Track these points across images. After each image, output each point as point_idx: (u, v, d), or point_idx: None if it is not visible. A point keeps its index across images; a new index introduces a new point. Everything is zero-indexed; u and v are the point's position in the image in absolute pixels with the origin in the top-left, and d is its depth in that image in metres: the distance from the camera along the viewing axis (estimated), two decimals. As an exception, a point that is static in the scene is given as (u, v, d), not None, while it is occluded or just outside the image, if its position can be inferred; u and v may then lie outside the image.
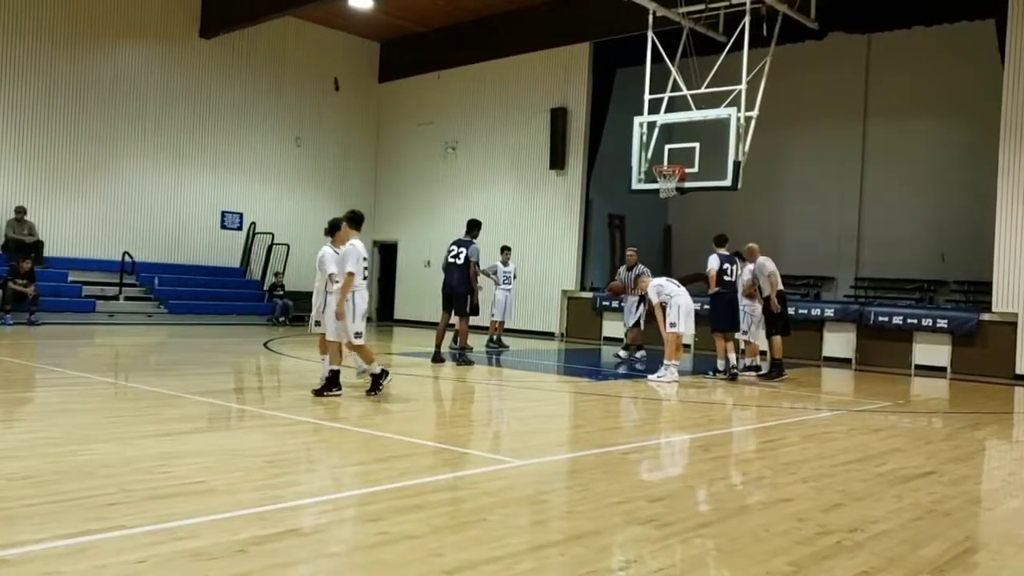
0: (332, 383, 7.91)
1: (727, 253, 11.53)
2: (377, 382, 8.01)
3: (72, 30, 17.56)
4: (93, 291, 17.19)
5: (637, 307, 13.38)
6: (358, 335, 7.90)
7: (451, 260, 11.68)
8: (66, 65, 17.51)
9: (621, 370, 12.51)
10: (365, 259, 7.98)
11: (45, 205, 17.33)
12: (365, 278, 7.96)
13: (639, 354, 13.56)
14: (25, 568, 3.12)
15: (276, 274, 20.02)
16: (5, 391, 7.84)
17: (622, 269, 14.03)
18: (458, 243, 11.76)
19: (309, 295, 21.68)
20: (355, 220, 8.18)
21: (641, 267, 13.46)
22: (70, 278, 17.10)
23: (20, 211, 16.49)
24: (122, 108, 18.33)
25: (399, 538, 3.64)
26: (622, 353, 13.69)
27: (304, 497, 4.33)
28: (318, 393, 7.84)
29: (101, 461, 4.89)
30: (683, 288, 11.03)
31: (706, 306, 11.96)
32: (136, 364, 11.53)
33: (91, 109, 17.90)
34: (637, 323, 13.49)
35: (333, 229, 8.62)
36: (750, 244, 11.74)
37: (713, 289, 11.33)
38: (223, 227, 20.23)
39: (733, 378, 11.18)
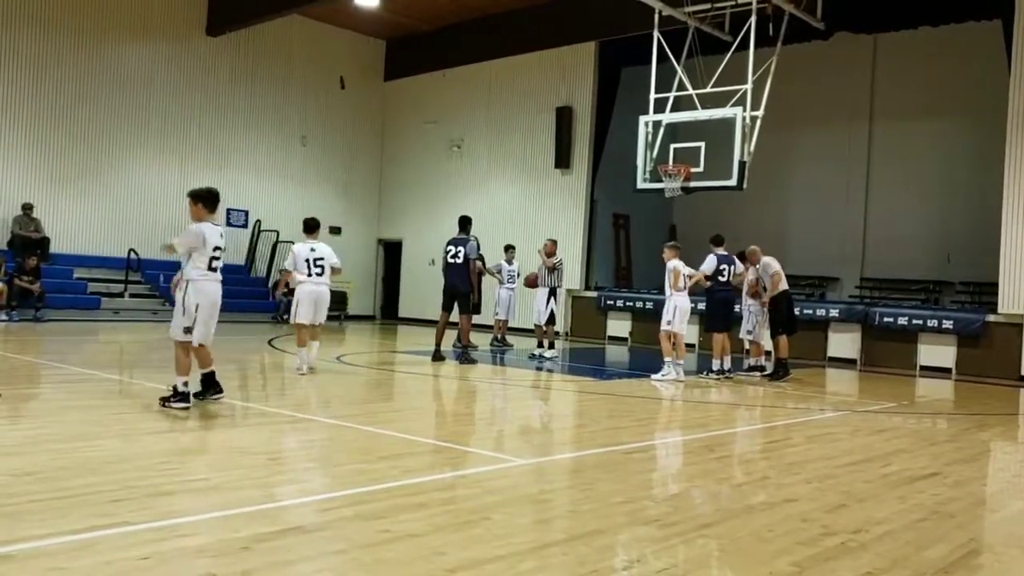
0: (203, 387, 6.81)
1: (724, 253, 11.56)
2: (172, 398, 6.57)
3: (79, 28, 17.60)
4: (98, 288, 17.24)
5: (547, 301, 13.17)
6: (187, 330, 6.57)
7: (450, 260, 11.68)
8: (73, 62, 17.56)
9: (537, 364, 12.38)
10: (217, 248, 6.74)
11: (51, 202, 17.38)
12: (213, 268, 6.74)
13: (549, 353, 13.02)
14: (30, 564, 3.13)
15: (281, 271, 20.06)
16: (10, 387, 7.86)
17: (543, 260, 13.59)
18: (454, 242, 11.74)
19: (314, 293, 20.97)
20: (199, 197, 6.89)
21: (559, 256, 13.44)
22: (76, 275, 17.15)
23: (27, 208, 16.54)
24: (129, 106, 18.37)
25: (401, 536, 3.64)
26: (536, 351, 13.12)
27: (307, 495, 4.34)
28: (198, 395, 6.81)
29: (105, 458, 4.91)
30: (686, 291, 11.06)
31: (701, 305, 11.94)
32: (140, 361, 11.55)
33: (98, 107, 17.95)
34: (551, 319, 13.17)
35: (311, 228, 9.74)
36: (752, 247, 11.75)
37: (704, 285, 11.42)
38: (228, 224, 20.24)
39: (727, 379, 11.21)
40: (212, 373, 6.84)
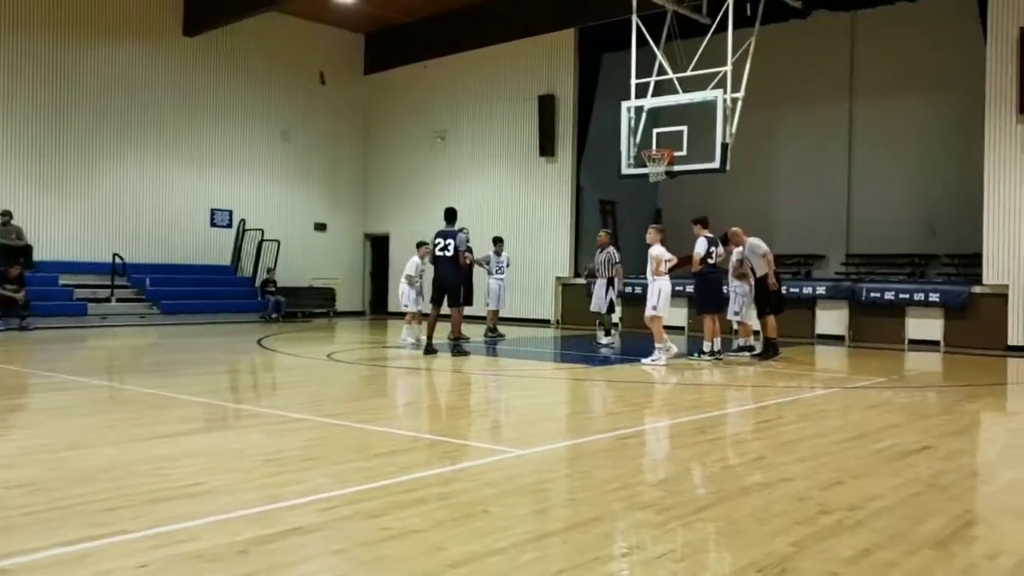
0: None
1: (711, 235, 11.57)
2: None
3: (54, 29, 17.43)
4: (85, 294, 17.13)
5: (606, 291, 13.29)
6: None
7: (439, 253, 11.63)
8: (49, 65, 17.39)
9: (605, 352, 12.63)
10: None
11: (32, 208, 17.23)
12: None
13: (605, 340, 13.43)
14: (27, 577, 3.11)
15: (268, 270, 19.98)
16: (-1, 398, 7.81)
17: (597, 252, 13.83)
18: (443, 235, 11.69)
19: (302, 290, 21.57)
20: None
21: (611, 250, 13.45)
22: (61, 281, 17.04)
23: (6, 215, 16.38)
24: (107, 108, 18.23)
25: (402, 533, 3.64)
26: (604, 339, 13.49)
27: (304, 495, 4.32)
28: None
29: (99, 466, 4.87)
30: (667, 275, 11.09)
31: (688, 288, 12.00)
32: (130, 366, 11.48)
33: (76, 109, 17.80)
34: (611, 307, 13.43)
35: None
36: (734, 228, 11.78)
37: (695, 269, 11.41)
38: (212, 225, 20.16)
39: (717, 360, 11.26)
40: None
